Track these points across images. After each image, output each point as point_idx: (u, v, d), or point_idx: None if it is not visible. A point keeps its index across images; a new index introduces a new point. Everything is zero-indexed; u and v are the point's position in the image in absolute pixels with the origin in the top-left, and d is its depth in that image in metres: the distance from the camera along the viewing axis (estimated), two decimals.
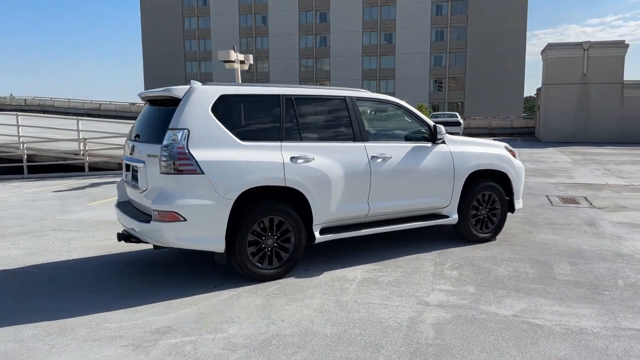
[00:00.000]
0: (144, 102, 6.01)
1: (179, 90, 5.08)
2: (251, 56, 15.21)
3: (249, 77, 79.51)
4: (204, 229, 4.88)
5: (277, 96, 5.45)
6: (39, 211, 9.25)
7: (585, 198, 10.12)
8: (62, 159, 16.71)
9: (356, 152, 5.69)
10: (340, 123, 5.77)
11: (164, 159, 4.82)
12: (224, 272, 5.49)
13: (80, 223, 8.13)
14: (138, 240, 5.37)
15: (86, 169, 16.04)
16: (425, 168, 6.12)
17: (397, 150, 5.96)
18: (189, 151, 4.82)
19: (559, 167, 15.63)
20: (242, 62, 14.63)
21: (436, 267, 5.64)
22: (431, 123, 6.33)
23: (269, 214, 5.17)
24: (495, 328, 4.06)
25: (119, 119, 42.00)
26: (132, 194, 5.60)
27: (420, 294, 4.83)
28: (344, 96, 5.89)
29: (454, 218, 6.38)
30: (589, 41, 25.75)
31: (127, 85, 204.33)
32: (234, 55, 14.20)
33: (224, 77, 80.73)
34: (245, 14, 79.55)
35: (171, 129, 4.87)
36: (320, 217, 5.46)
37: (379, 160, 5.77)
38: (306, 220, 5.41)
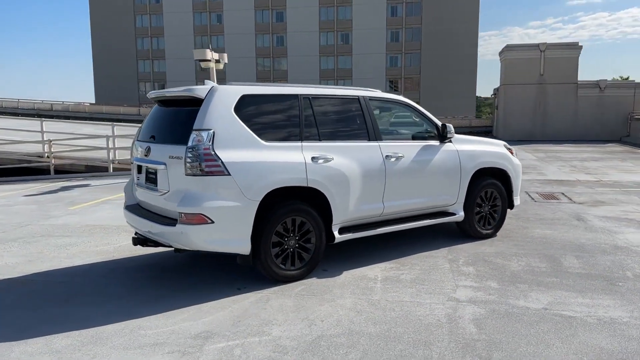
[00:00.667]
0: (154, 102, 5.84)
1: (201, 90, 4.98)
2: (226, 55, 15.02)
3: (205, 76, 78.38)
4: (231, 231, 4.80)
5: (296, 96, 5.42)
6: (19, 217, 8.82)
7: (563, 194, 10.53)
8: (26, 162, 15.99)
9: (372, 151, 5.72)
10: (356, 122, 5.79)
11: (189, 160, 4.71)
12: (243, 275, 5.42)
13: (69, 228, 7.82)
14: (156, 244, 5.24)
15: (52, 171, 15.41)
16: (435, 167, 6.23)
17: (408, 149, 6.04)
18: (215, 152, 4.73)
19: (526, 164, 16.17)
20: (217, 62, 14.41)
21: (451, 264, 5.74)
22: (439, 122, 6.45)
23: (291, 215, 5.13)
24: (532, 321, 4.18)
25: (73, 119, 40.56)
26: (145, 196, 5.44)
27: (446, 290, 4.91)
28: (358, 96, 5.92)
29: (460, 215, 6.51)
30: (546, 43, 26.78)
31: (77, 84, 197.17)
32: (210, 54, 13.97)
33: (178, 76, 79.18)
34: (199, 11, 78.25)
35: (196, 130, 4.76)
36: (339, 217, 5.46)
37: (393, 159, 5.83)
38: (325, 221, 5.41)
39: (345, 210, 5.49)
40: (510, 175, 7.03)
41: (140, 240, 5.36)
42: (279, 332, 4.05)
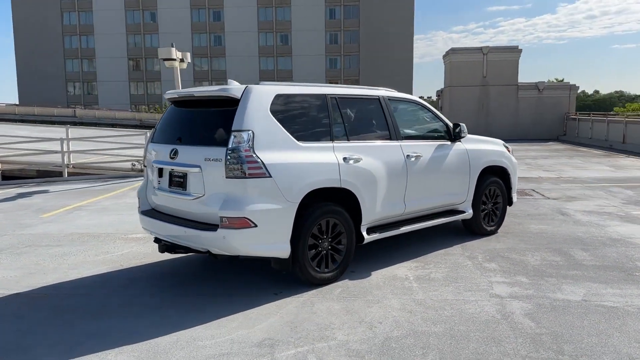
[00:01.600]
0: (170, 102, 5.57)
1: (236, 90, 4.80)
2: (189, 54, 14.58)
3: (138, 75, 75.95)
4: (273, 235, 4.67)
5: (324, 96, 5.36)
6: None
7: (534, 190, 11.02)
8: None
9: (394, 151, 5.74)
10: (378, 122, 5.79)
11: (231, 162, 4.53)
12: (272, 279, 5.28)
13: (55, 237, 7.31)
14: (187, 250, 5.01)
15: None
16: (448, 166, 6.34)
17: (426, 148, 6.11)
18: (256, 154, 4.58)
19: None
20: (181, 61, 13.98)
21: (472, 261, 5.86)
22: (449, 122, 6.57)
23: (325, 217, 5.05)
24: (580, 313, 4.33)
25: (1, 121, 38.06)
26: (167, 201, 5.18)
27: (483, 287, 5.00)
28: (378, 96, 5.92)
29: (469, 213, 6.66)
30: (488, 46, 27.93)
31: None
32: (175, 53, 13.53)
33: (109, 76, 76.20)
34: (132, 9, 75.65)
35: (235, 131, 4.59)
36: (368, 217, 5.44)
37: (413, 158, 5.88)
38: (355, 221, 5.37)
39: (373, 210, 5.47)
40: (510, 172, 7.27)
41: (168, 247, 5.11)
42: (343, 336, 3.97)
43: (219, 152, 4.60)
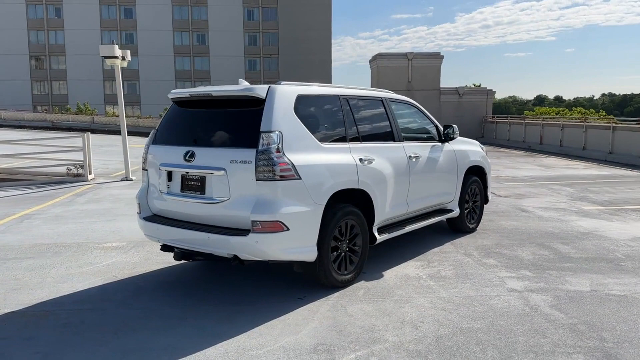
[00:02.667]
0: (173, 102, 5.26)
1: (261, 90, 4.64)
2: (129, 52, 13.85)
3: (42, 74, 71.04)
4: (303, 238, 4.56)
5: (338, 97, 5.32)
6: None
7: None
8: None
9: (399, 152, 5.82)
10: (383, 123, 5.84)
11: (261, 164, 4.37)
12: (285, 283, 5.16)
13: (17, 249, 6.66)
14: (207, 257, 4.77)
15: None
16: (442, 166, 6.52)
17: (423, 149, 6.24)
18: (286, 155, 4.46)
19: None
20: (122, 59, 13.26)
21: (470, 257, 6.06)
22: (439, 124, 6.75)
23: (345, 218, 5.02)
24: (597, 303, 4.62)
25: None
26: (179, 205, 4.90)
27: (496, 282, 5.19)
28: (381, 97, 5.98)
29: (457, 212, 6.89)
30: (413, 52, 29.02)
31: None
32: (118, 51, 12.81)
33: (8, 74, 70.48)
34: (33, 4, 70.58)
35: (264, 132, 4.43)
36: (379, 218, 5.47)
37: (414, 159, 5.99)
38: (367, 222, 5.37)
39: (384, 210, 5.51)
40: (487, 172, 7.61)
41: (184, 254, 4.84)
42: (393, 337, 3.96)
43: (247, 154, 4.43)
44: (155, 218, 5.10)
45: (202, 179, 4.70)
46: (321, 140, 4.90)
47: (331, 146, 4.98)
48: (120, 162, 18.13)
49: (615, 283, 5.14)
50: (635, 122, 18.15)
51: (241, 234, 4.41)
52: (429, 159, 6.29)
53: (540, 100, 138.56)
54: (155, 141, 5.23)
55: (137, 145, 25.46)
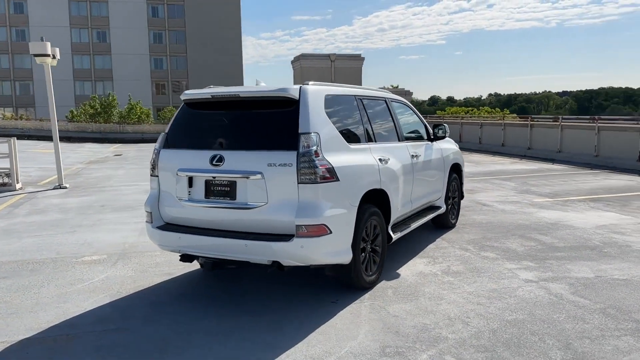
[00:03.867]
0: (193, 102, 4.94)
1: (294, 90, 4.50)
2: (58, 49, 12.80)
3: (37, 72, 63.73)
4: (342, 241, 4.49)
5: (353, 97, 5.30)
6: None
7: None
8: None
9: (404, 151, 5.90)
10: (389, 124, 5.89)
11: (303, 166, 4.24)
12: (307, 286, 5.06)
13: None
14: (239, 265, 4.55)
15: None
16: (434, 164, 6.70)
17: (420, 149, 6.37)
18: (325, 156, 4.37)
19: None
20: (52, 57, 12.24)
21: (468, 252, 6.28)
22: (427, 123, 6.93)
23: (371, 219, 5.01)
24: (609, 287, 4.97)
25: None
26: (200, 212, 4.62)
27: (508, 274, 5.42)
28: (385, 97, 6.02)
29: (444, 208, 7.11)
30: (335, 54, 29.60)
31: None
32: (50, 49, 11.80)
33: None
34: None
35: (303, 134, 4.31)
36: (394, 217, 5.52)
37: (415, 159, 6.10)
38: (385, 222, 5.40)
39: (397, 209, 5.57)
40: (462, 169, 7.92)
41: (214, 263, 4.57)
42: (452, 334, 4.01)
43: (287, 156, 4.28)
44: (172, 227, 4.78)
45: (232, 184, 4.47)
46: (348, 141, 4.85)
47: (356, 147, 4.95)
48: (39, 168, 16.81)
49: (612, 269, 5.56)
50: (552, 120, 19.72)
51: (283, 240, 4.26)
52: (425, 158, 6.44)
53: (434, 101, 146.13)
54: (167, 145, 4.90)
55: (46, 150, 23.61)
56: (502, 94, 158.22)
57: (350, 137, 4.96)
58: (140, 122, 40.58)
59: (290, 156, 4.28)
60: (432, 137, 6.87)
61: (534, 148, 19.04)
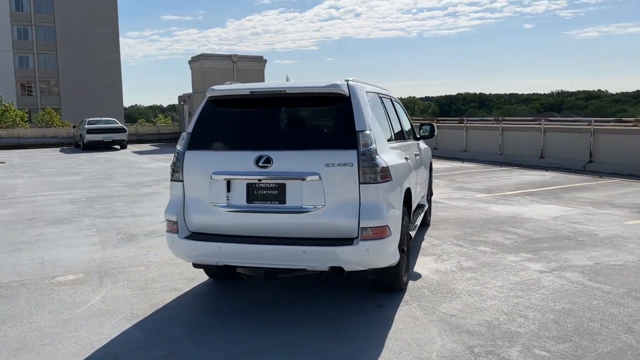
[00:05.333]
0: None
1: (344, 86, 4.27)
2: None
3: None
4: (396, 242, 4.34)
5: (377, 94, 5.17)
6: None
7: None
8: None
9: (413, 150, 5.90)
10: (396, 122, 5.84)
11: (365, 166, 4.04)
12: (346, 291, 4.86)
13: None
14: (291, 273, 4.22)
15: None
16: (424, 162, 6.78)
17: (416, 147, 6.41)
18: (380, 155, 4.20)
19: None
20: None
21: (465, 248, 6.44)
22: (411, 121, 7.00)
23: (404, 218, 4.92)
24: (615, 273, 5.34)
25: None
26: (240, 219, 4.22)
27: (518, 266, 5.62)
28: (390, 95, 5.96)
29: (427, 206, 7.23)
30: (237, 55, 28.84)
31: None
32: None
33: None
34: None
35: (360, 132, 4.11)
36: (411, 215, 5.48)
37: (416, 157, 6.13)
38: None
39: (412, 208, 5.54)
40: (432, 167, 8.12)
41: (268, 273, 4.18)
42: (521, 328, 4.03)
43: (347, 155, 4.05)
44: (207, 236, 4.30)
45: (281, 187, 4.13)
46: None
47: (391, 145, 4.84)
48: None
49: (602, 256, 6.00)
50: (457, 122, 21.02)
51: (347, 244, 4.02)
52: (419, 156, 6.49)
53: None
54: (193, 146, 4.40)
55: None
56: None
57: (385, 135, 4.84)
58: (14, 125, 36.52)
59: (350, 155, 4.05)
60: (417, 136, 6.94)
61: (440, 148, 20.15)
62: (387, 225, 4.09)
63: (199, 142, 4.41)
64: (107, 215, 9.03)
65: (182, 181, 4.40)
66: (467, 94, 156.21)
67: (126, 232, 7.65)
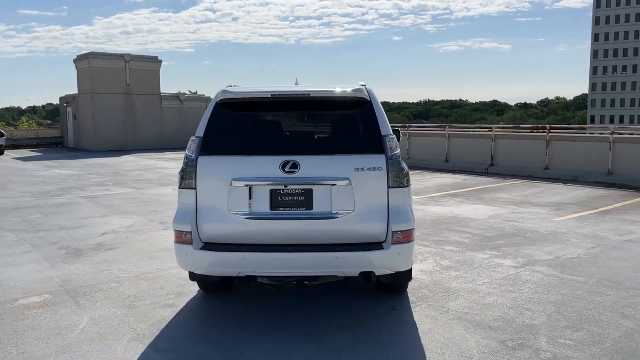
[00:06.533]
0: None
1: (364, 91, 4.26)
2: None
3: None
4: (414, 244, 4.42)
5: None
6: None
7: None
8: None
9: None
10: None
11: (394, 169, 4.08)
12: (352, 296, 4.85)
13: None
14: (320, 280, 4.12)
15: None
16: None
17: None
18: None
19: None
20: None
21: (431, 247, 6.70)
22: None
23: None
24: (577, 264, 5.87)
25: None
26: (262, 226, 4.04)
27: (492, 263, 5.97)
28: None
29: None
30: (130, 54, 27.18)
31: None
32: None
33: None
34: None
35: (386, 136, 4.14)
36: None
37: None
38: None
39: None
40: None
41: (297, 282, 4.02)
42: (534, 320, 4.30)
43: (376, 160, 4.05)
44: (225, 246, 4.05)
45: (308, 192, 4.02)
46: None
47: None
48: None
49: (556, 250, 6.56)
50: None
51: (378, 248, 4.02)
52: None
53: None
54: (206, 151, 4.12)
55: None
56: None
57: None
58: None
59: (379, 160, 4.06)
60: None
61: None
62: (413, 229, 4.16)
63: (212, 146, 4.14)
64: (31, 229, 8.09)
65: (195, 188, 4.10)
66: None
67: (67, 246, 6.92)
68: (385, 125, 4.19)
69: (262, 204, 4.03)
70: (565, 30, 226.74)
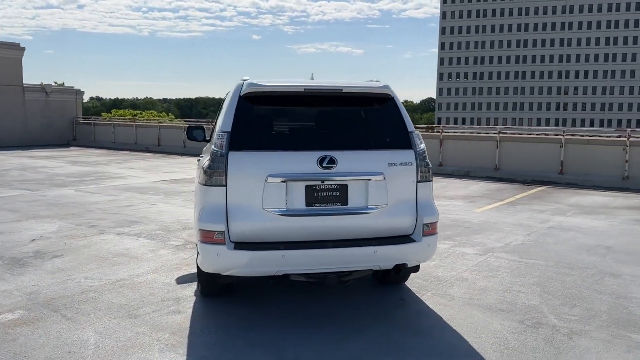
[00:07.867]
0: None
1: (389, 88, 4.33)
2: None
3: None
4: None
5: None
6: None
7: None
8: None
9: None
10: None
11: (422, 164, 4.23)
12: (354, 292, 4.92)
13: None
14: (356, 275, 4.11)
15: None
16: None
17: None
18: None
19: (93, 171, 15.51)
20: None
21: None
22: None
23: None
24: (529, 250, 6.51)
25: None
26: (298, 223, 3.95)
27: (458, 252, 6.38)
28: None
29: None
30: None
31: None
32: None
33: None
34: None
35: (412, 132, 4.27)
36: None
37: None
38: None
39: None
40: None
41: (335, 279, 3.99)
42: (530, 301, 4.71)
43: (407, 155, 4.17)
44: (262, 245, 3.87)
45: (343, 188, 4.01)
46: None
47: None
48: None
49: (500, 238, 7.19)
50: None
51: (410, 241, 4.14)
52: None
53: None
54: (236, 147, 3.90)
55: None
56: (105, 98, 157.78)
57: None
58: None
59: (409, 155, 4.18)
60: None
61: None
62: (438, 221, 4.35)
63: (242, 142, 3.93)
64: None
65: (225, 185, 3.87)
66: (207, 98, 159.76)
67: (1, 256, 6.04)
68: (410, 122, 4.32)
69: (298, 200, 3.93)
70: (411, 38, 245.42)
